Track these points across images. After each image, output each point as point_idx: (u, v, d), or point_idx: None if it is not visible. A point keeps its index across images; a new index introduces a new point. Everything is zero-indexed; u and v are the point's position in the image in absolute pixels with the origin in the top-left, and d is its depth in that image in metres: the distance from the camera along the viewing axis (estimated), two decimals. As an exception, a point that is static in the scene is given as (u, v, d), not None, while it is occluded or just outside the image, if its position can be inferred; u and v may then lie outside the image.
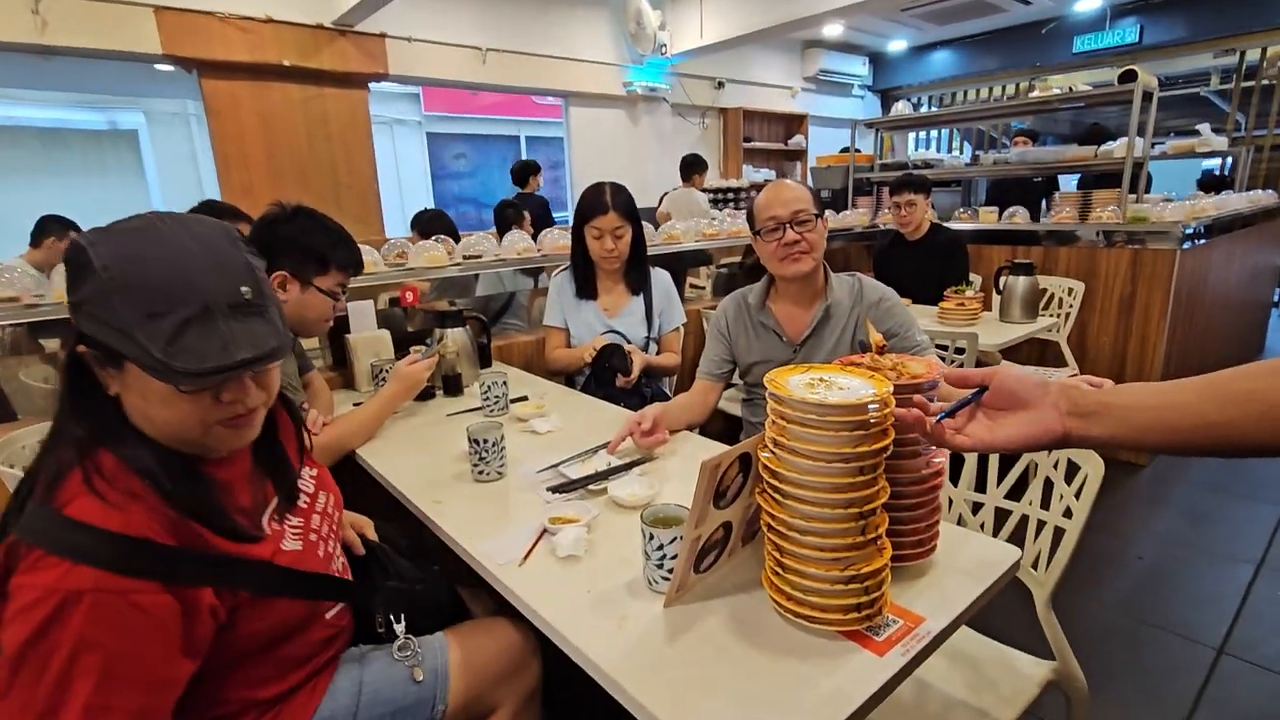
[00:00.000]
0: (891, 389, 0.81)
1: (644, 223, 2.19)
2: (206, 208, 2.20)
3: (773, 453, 0.83)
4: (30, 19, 3.51)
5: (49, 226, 3.48)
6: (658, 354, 2.15)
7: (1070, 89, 3.75)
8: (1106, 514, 2.64)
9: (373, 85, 4.80)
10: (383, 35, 4.68)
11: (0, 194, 6.21)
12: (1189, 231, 2.96)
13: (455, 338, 2.00)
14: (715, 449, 1.45)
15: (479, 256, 2.54)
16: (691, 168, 5.28)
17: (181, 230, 0.74)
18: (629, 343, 2.04)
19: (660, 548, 0.89)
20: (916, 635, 0.82)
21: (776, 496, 0.83)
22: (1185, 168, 6.22)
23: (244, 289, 0.74)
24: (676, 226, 3.13)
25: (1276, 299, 5.44)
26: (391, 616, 1.04)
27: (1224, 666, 1.82)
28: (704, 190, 6.28)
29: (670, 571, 0.89)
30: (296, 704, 0.91)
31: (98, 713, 0.64)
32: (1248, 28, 5.84)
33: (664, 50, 5.89)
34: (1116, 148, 3.39)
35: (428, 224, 3.57)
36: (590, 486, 1.24)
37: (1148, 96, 3.02)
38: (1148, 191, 3.76)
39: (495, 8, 5.35)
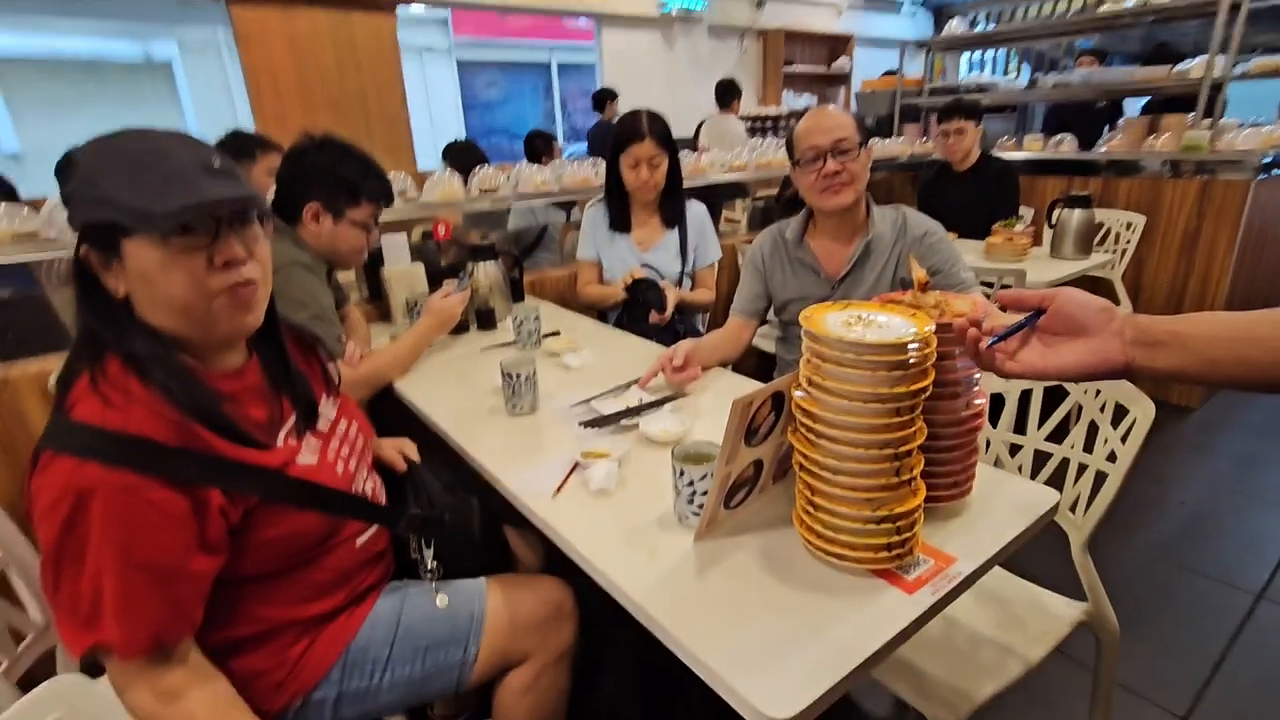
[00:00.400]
0: (933, 328, 0.78)
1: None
2: (233, 137, 2.20)
3: (807, 392, 0.81)
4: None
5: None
6: (692, 289, 2.11)
7: (1145, 1, 3.44)
8: (1151, 457, 2.57)
9: (400, 9, 4.66)
10: (409, -44, 4.51)
11: (43, 127, 6.31)
12: (1267, 161, 2.75)
13: (487, 271, 1.99)
14: (748, 386, 1.44)
15: (494, 190, 2.49)
16: (727, 92, 5.06)
17: (155, 130, 0.79)
18: (663, 278, 2.01)
19: (690, 484, 0.90)
20: (947, 575, 0.82)
21: (810, 436, 0.81)
22: (1271, 89, 5.71)
23: (214, 159, 0.78)
24: (703, 158, 3.02)
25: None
26: (422, 542, 1.07)
27: (1261, 612, 1.80)
28: (741, 117, 6.03)
29: (700, 507, 0.89)
30: (335, 627, 0.95)
31: (130, 603, 0.70)
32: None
33: (702, -35, 5.56)
34: (1193, 67, 3.13)
35: (458, 155, 3.52)
36: (622, 422, 1.25)
37: (1235, 8, 2.75)
38: (1223, 116, 3.49)
39: None
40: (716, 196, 3.07)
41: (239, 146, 2.15)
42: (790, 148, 1.54)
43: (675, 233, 2.06)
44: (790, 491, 0.91)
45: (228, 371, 0.87)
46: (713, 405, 1.36)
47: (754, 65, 6.98)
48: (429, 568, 1.06)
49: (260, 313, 0.85)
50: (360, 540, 0.97)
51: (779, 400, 0.86)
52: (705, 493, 0.89)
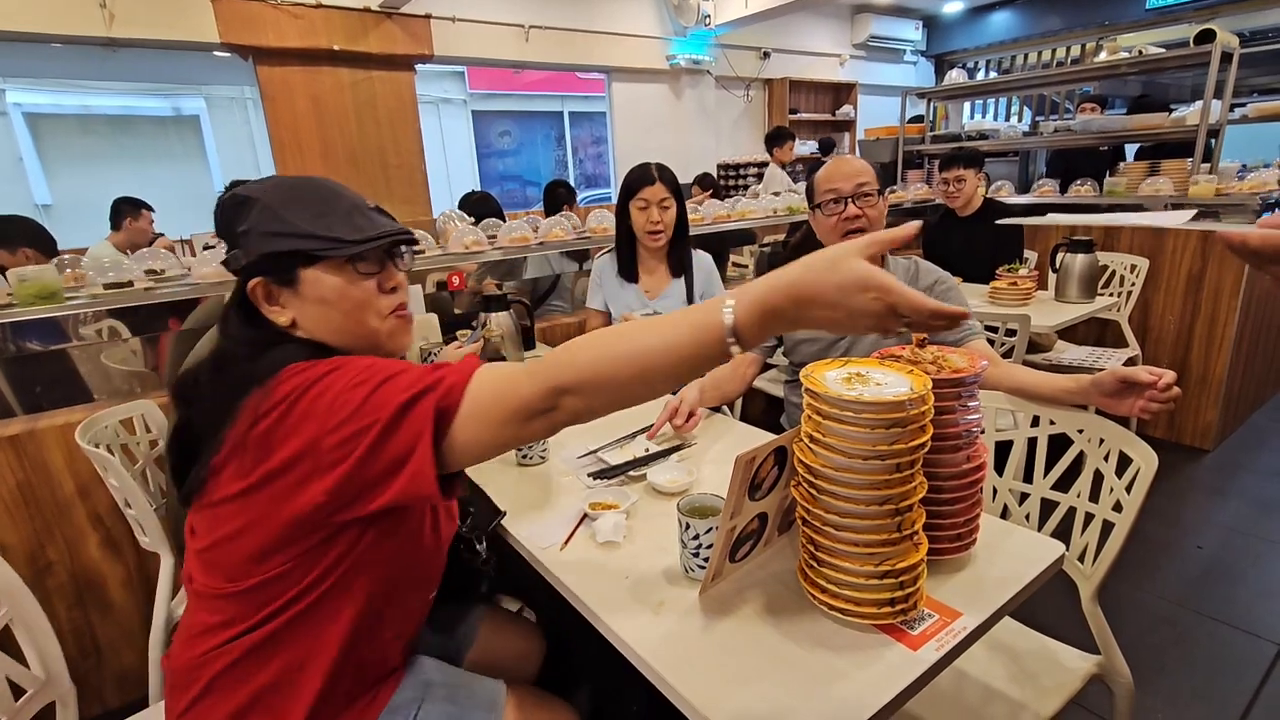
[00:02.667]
0: (930, 385, 0.80)
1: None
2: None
3: (809, 447, 0.83)
4: (99, 13, 3.66)
5: (123, 208, 3.69)
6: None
7: (1140, 51, 3.53)
8: (1165, 501, 2.54)
9: (419, 66, 4.86)
10: (428, 16, 4.72)
11: (76, 179, 6.57)
12: (1267, 201, 2.78)
13: (500, 321, 2.04)
14: (755, 435, 1.46)
15: (526, 241, 2.57)
16: (773, 141, 5.22)
17: (315, 177, 0.89)
18: None
19: (696, 537, 0.91)
20: (952, 630, 0.82)
21: (812, 491, 0.83)
22: (1270, 131, 5.80)
23: (369, 201, 0.89)
24: (698, 209, 3.11)
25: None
26: (474, 539, 1.11)
27: (1286, 662, 1.75)
28: (748, 164, 6.17)
29: (706, 561, 0.91)
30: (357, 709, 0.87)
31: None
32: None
33: (708, 21, 5.77)
34: (1190, 113, 3.19)
35: (475, 206, 3.63)
36: (630, 473, 1.27)
37: (1227, 58, 2.82)
38: (1220, 160, 3.54)
39: None
40: (725, 243, 3.13)
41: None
42: (810, 193, 1.60)
43: (682, 281, 2.11)
44: (795, 544, 0.92)
45: None
46: (720, 454, 1.38)
47: (759, 113, 7.17)
48: (484, 558, 1.10)
49: (413, 332, 0.94)
50: (431, 595, 0.98)
51: (782, 454, 0.88)
52: (710, 546, 0.90)
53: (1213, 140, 3.03)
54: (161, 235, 3.94)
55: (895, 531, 0.80)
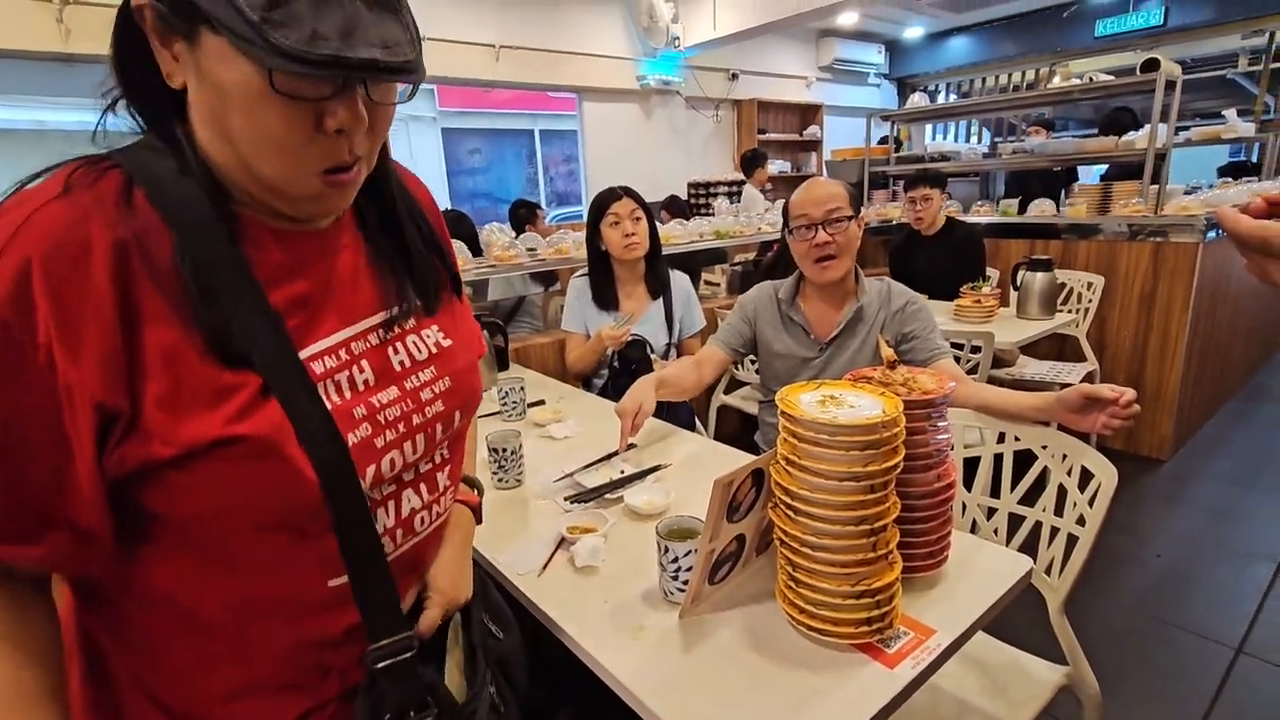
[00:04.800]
0: (902, 406, 0.83)
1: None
2: None
3: (786, 469, 0.84)
4: (55, 28, 3.58)
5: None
6: (678, 359, 2.16)
7: (1091, 78, 3.69)
8: (1125, 512, 2.62)
9: (388, 83, 4.84)
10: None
11: (27, 196, 6.38)
12: (1212, 221, 2.91)
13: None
14: (729, 454, 1.47)
15: (511, 259, 2.56)
16: (749, 164, 5.31)
17: None
18: (652, 352, 2.06)
19: (675, 560, 0.92)
20: (927, 647, 0.84)
21: (789, 513, 0.85)
22: (1210, 154, 6.08)
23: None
24: (676, 229, 3.16)
25: (1305, 287, 5.32)
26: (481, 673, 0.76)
27: (1242, 667, 1.81)
28: (718, 183, 6.26)
29: (685, 584, 0.91)
30: None
31: None
32: (1278, 8, 5.68)
33: (677, 43, 5.86)
34: (1139, 138, 3.34)
35: (450, 225, 3.60)
36: (606, 495, 1.27)
37: (1170, 85, 2.96)
38: (1169, 182, 3.70)
39: (508, 5, 5.35)
40: (696, 262, 3.16)
41: None
42: (785, 214, 1.63)
43: (660, 303, 2.12)
44: (773, 564, 0.93)
45: (304, 235, 0.63)
46: (695, 474, 1.39)
47: (729, 133, 7.28)
48: (494, 703, 0.77)
49: (352, 195, 0.62)
50: (334, 581, 0.62)
51: (759, 476, 0.89)
52: (690, 569, 0.91)
53: (1160, 161, 3.16)
54: None
55: (871, 551, 0.82)
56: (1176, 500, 2.75)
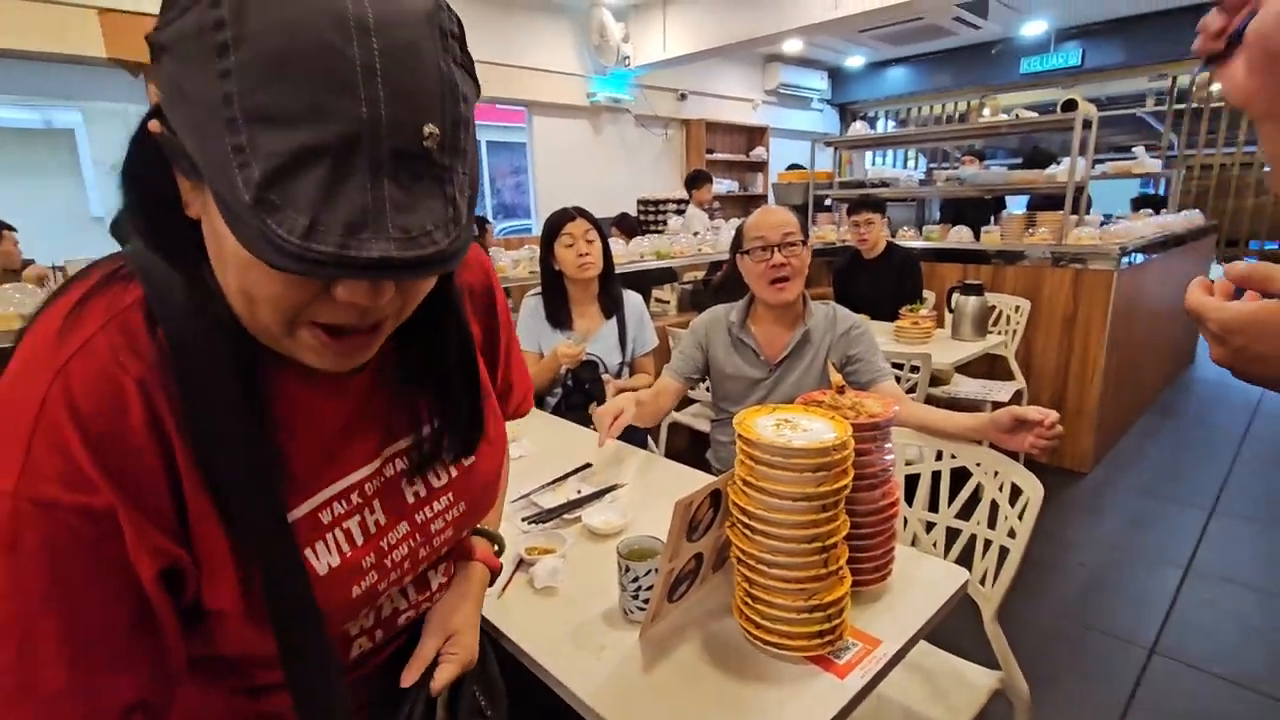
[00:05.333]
0: (850, 430, 0.87)
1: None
2: None
3: (743, 490, 0.88)
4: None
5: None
6: (630, 377, 2.19)
7: (1018, 114, 3.93)
8: (1051, 523, 2.78)
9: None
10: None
11: (-68, 192, 5.94)
12: (1125, 249, 3.14)
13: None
14: (682, 472, 1.51)
15: None
16: (692, 183, 5.39)
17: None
18: (606, 370, 2.08)
19: (635, 580, 0.94)
20: (874, 657, 0.89)
21: (746, 531, 0.88)
22: (1124, 186, 6.55)
23: (428, 128, 0.42)
24: (617, 247, 3.22)
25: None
26: None
27: (1155, 666, 1.95)
28: (667, 201, 6.36)
29: (645, 602, 0.93)
30: None
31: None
32: (1180, 55, 6.19)
33: (627, 62, 5.95)
34: (1060, 171, 3.57)
35: None
36: (564, 516, 1.28)
37: (1087, 124, 3.19)
38: (1088, 212, 3.97)
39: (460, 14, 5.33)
40: (648, 280, 3.21)
41: None
42: (739, 238, 1.70)
43: (614, 322, 2.15)
44: (729, 580, 0.97)
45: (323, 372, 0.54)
46: (651, 492, 1.42)
47: (678, 151, 7.42)
48: None
49: (374, 349, 0.54)
50: (356, 651, 0.66)
51: (716, 496, 0.93)
52: (650, 588, 0.93)
53: (1079, 194, 3.39)
54: (32, 262, 3.60)
55: (823, 567, 0.86)
56: (1097, 510, 2.93)
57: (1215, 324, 0.54)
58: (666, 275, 3.35)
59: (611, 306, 2.17)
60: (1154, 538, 2.68)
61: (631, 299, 2.22)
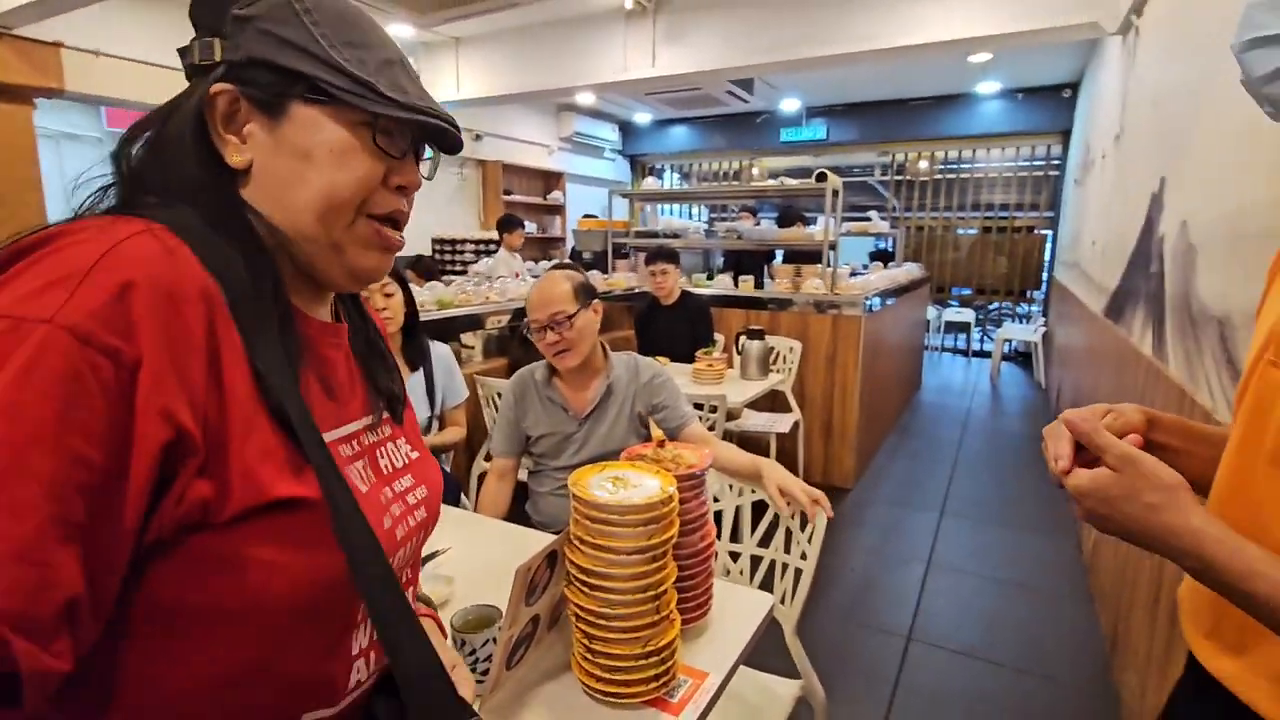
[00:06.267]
0: (675, 484, 0.96)
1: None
2: None
3: (580, 549, 0.92)
4: None
5: None
6: (440, 430, 2.13)
7: (782, 180, 4.55)
8: (827, 535, 3.16)
9: (41, 100, 3.99)
10: (58, 45, 3.92)
11: None
12: (868, 296, 3.75)
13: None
14: (504, 529, 1.50)
15: None
16: (503, 227, 5.29)
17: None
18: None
19: (473, 653, 0.93)
20: (703, 689, 0.96)
21: (584, 588, 0.92)
22: (863, 243, 7.80)
23: (412, 58, 0.67)
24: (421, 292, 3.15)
25: (926, 343, 7.05)
26: None
27: (912, 651, 2.31)
28: (464, 240, 6.28)
29: (485, 673, 0.92)
30: None
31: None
32: (897, 136, 7.62)
33: (422, 100, 5.83)
34: (817, 230, 4.18)
35: None
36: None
37: (836, 192, 3.79)
38: (837, 266, 4.67)
39: None
40: (454, 327, 3.14)
41: None
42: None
43: (420, 375, 2.08)
44: (564, 637, 0.99)
45: (323, 323, 0.66)
46: (476, 555, 1.39)
47: (475, 191, 7.37)
48: None
49: (389, 266, 0.67)
50: (355, 676, 0.63)
51: (552, 556, 0.95)
52: (488, 659, 0.92)
53: (832, 250, 3.99)
54: None
55: (655, 614, 0.92)
56: (859, 522, 3.41)
57: (1069, 490, 0.64)
58: (473, 322, 3.30)
59: (417, 358, 2.09)
60: (903, 540, 3.19)
61: (439, 350, 2.17)
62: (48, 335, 0.42)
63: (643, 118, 8.75)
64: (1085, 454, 0.65)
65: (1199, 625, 0.70)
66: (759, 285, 4.25)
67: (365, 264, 0.63)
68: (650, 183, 5.18)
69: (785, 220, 4.72)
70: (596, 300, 1.74)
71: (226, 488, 0.50)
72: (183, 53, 0.59)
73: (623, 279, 4.48)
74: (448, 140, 0.64)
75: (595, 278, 4.06)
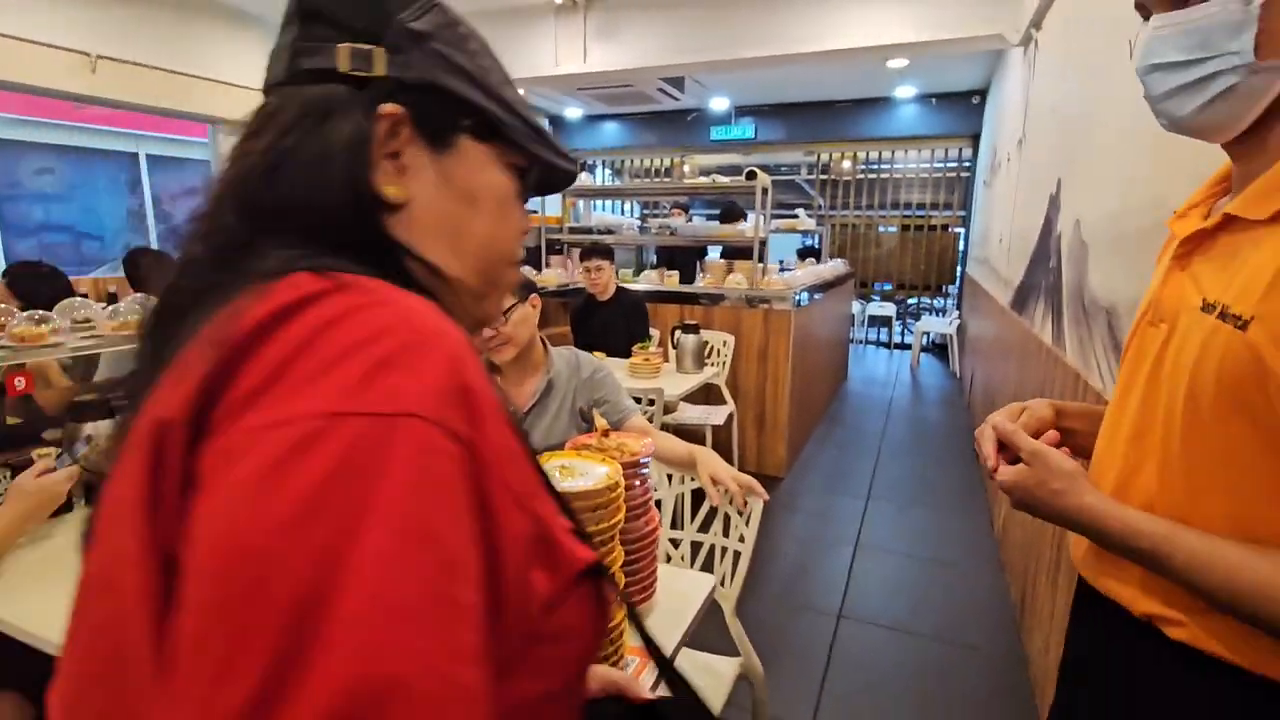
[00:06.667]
0: (620, 470, 0.99)
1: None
2: None
3: (528, 537, 0.94)
4: None
5: None
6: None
7: (715, 178, 4.65)
8: (761, 522, 3.28)
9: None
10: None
11: None
12: (797, 292, 3.90)
13: (100, 432, 1.64)
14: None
15: (89, 324, 1.97)
16: None
17: None
18: None
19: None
20: (650, 669, 1.00)
21: (534, 575, 0.94)
22: (791, 240, 8.05)
23: None
24: None
25: (851, 336, 7.36)
26: None
27: (843, 628, 2.43)
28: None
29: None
30: None
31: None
32: (822, 136, 7.89)
33: (341, 89, 5.63)
34: (748, 227, 4.30)
35: (26, 281, 2.69)
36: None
37: (765, 190, 3.91)
38: (767, 261, 4.82)
39: (109, 10, 4.49)
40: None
41: None
42: None
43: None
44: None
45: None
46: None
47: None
48: None
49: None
50: None
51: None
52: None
53: (763, 246, 4.12)
54: None
55: (604, 597, 0.95)
56: (792, 508, 3.54)
57: (998, 485, 0.78)
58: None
59: None
60: (833, 524, 3.33)
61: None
62: (421, 433, 0.35)
63: (574, 113, 8.73)
64: (1009, 451, 0.79)
65: (1079, 549, 0.82)
66: (688, 280, 4.33)
67: (496, 311, 0.62)
68: (583, 178, 5.18)
69: (728, 217, 4.80)
70: (534, 295, 1.75)
71: (557, 568, 0.43)
72: (298, 51, 0.50)
73: (554, 276, 4.47)
74: (565, 185, 0.61)
75: (528, 274, 4.05)
